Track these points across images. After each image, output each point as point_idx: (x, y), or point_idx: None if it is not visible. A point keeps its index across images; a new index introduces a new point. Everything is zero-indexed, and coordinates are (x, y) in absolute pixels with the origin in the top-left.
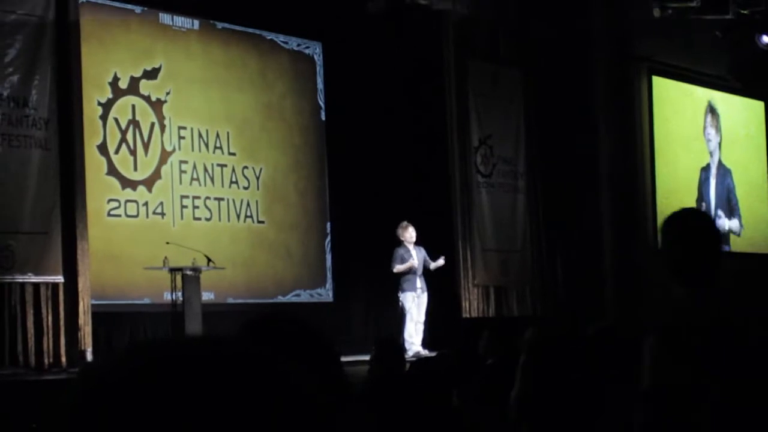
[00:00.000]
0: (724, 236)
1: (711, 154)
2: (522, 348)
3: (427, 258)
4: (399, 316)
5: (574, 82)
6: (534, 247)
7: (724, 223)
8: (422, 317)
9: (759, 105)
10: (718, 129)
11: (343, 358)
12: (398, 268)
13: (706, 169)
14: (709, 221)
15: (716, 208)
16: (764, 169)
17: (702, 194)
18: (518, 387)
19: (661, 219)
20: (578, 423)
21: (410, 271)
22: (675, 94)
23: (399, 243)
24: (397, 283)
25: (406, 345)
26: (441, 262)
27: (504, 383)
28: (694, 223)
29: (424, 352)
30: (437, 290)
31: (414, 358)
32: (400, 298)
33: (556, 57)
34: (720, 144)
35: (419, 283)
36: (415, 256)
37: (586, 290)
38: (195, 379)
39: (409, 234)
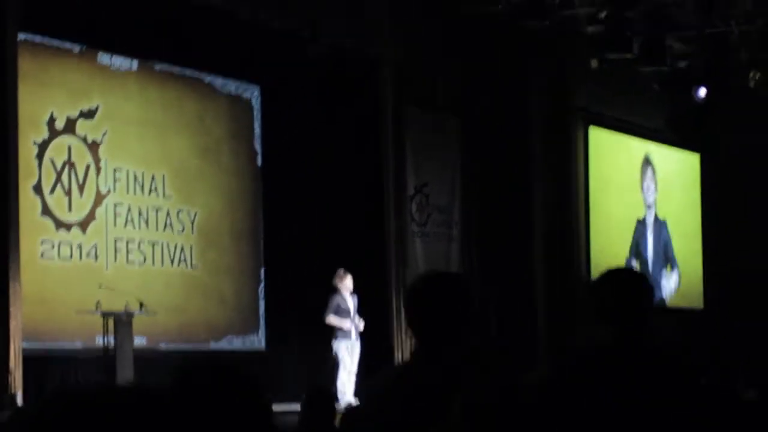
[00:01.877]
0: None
1: (648, 207)
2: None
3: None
4: (332, 364)
5: (511, 130)
6: None
7: (668, 282)
8: (355, 367)
9: (695, 157)
10: (655, 182)
11: (275, 408)
12: (331, 321)
13: (642, 223)
14: (642, 277)
15: (654, 264)
16: (698, 221)
17: (639, 249)
18: None
19: (594, 269)
20: None
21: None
22: (612, 145)
23: (335, 290)
24: (330, 330)
25: (339, 395)
26: (360, 326)
27: None
28: (627, 276)
29: (356, 402)
30: (370, 339)
31: (345, 409)
32: (334, 347)
33: (494, 106)
34: (656, 200)
35: (354, 333)
36: (350, 305)
37: (518, 341)
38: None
39: (346, 283)
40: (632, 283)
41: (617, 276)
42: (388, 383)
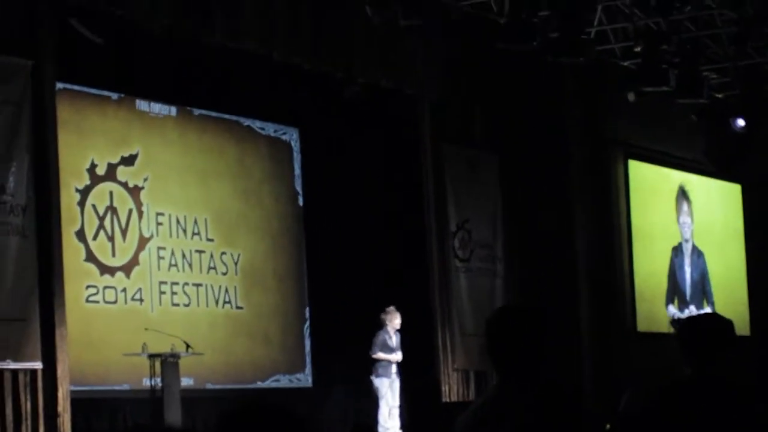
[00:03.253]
0: None
1: (686, 240)
2: None
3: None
4: (374, 400)
5: (550, 165)
6: None
7: (694, 310)
8: (397, 401)
9: (735, 188)
10: (691, 215)
11: None
12: (380, 355)
13: (677, 249)
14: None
15: (692, 291)
16: (742, 252)
17: (675, 277)
18: None
19: (640, 303)
20: None
21: (388, 360)
22: (651, 177)
23: (381, 327)
24: (371, 367)
25: (381, 430)
26: (395, 357)
27: None
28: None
29: None
30: (416, 374)
31: None
32: (375, 383)
33: (532, 141)
34: (693, 230)
35: (394, 368)
36: (395, 342)
37: (564, 375)
38: None
39: (397, 320)
40: (709, 326)
41: (697, 321)
42: (478, 415)
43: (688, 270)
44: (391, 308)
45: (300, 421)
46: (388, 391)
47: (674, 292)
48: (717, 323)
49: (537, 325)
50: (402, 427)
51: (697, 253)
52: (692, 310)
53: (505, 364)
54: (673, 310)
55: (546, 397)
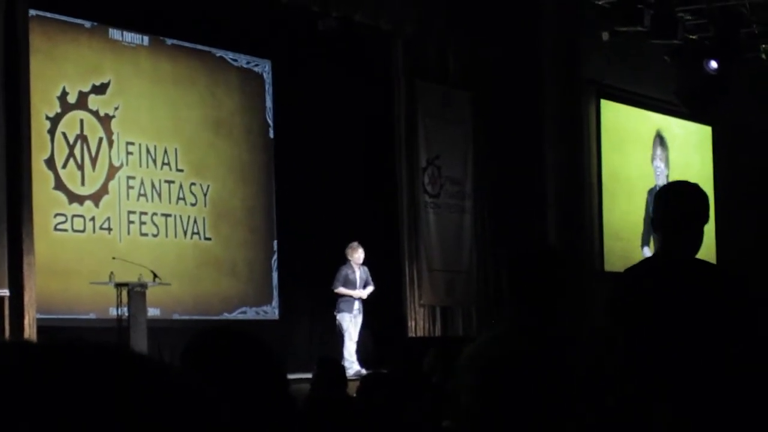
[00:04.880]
0: None
1: (659, 178)
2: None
3: (369, 279)
4: (338, 335)
5: (523, 103)
6: (480, 267)
7: None
8: (356, 336)
9: (707, 130)
10: (666, 161)
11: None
12: (340, 290)
13: (653, 191)
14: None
15: None
16: (710, 193)
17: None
18: (456, 407)
19: (614, 242)
20: None
21: (350, 295)
22: (624, 117)
23: (345, 262)
24: (335, 301)
25: (347, 364)
26: (365, 293)
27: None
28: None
29: (363, 371)
30: (383, 309)
31: (355, 377)
32: (337, 318)
33: (505, 78)
34: (669, 168)
35: (357, 304)
36: (358, 278)
37: None
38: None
39: (358, 255)
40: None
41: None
42: (488, 351)
43: None
44: (354, 243)
45: (267, 347)
46: (351, 326)
47: (650, 233)
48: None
49: (557, 265)
50: (361, 361)
51: None
52: None
53: (525, 302)
54: (648, 252)
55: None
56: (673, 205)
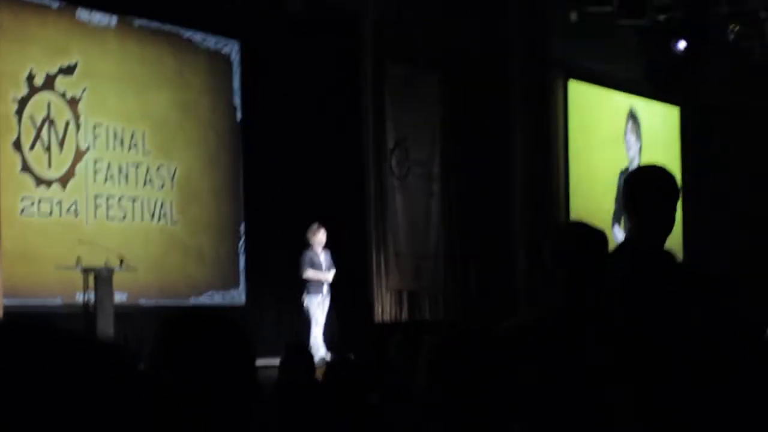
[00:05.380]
0: None
1: (631, 160)
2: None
3: (331, 262)
4: (305, 319)
5: (490, 85)
6: (447, 251)
7: None
8: (323, 320)
9: (674, 110)
10: (638, 135)
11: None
12: (309, 274)
13: (625, 173)
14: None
15: None
16: (678, 174)
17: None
18: (421, 386)
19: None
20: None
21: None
22: (592, 99)
23: (307, 246)
24: (303, 286)
25: (313, 350)
26: (326, 276)
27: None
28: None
29: (329, 356)
30: (349, 294)
31: (321, 362)
32: (305, 302)
33: (473, 60)
34: (640, 150)
35: (325, 287)
36: (323, 260)
37: (499, 295)
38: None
39: (319, 238)
40: (587, 236)
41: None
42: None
43: None
44: (314, 225)
45: (238, 329)
46: (318, 310)
47: (620, 213)
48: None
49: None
50: (327, 346)
51: None
52: None
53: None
54: (618, 230)
55: None
56: (643, 188)
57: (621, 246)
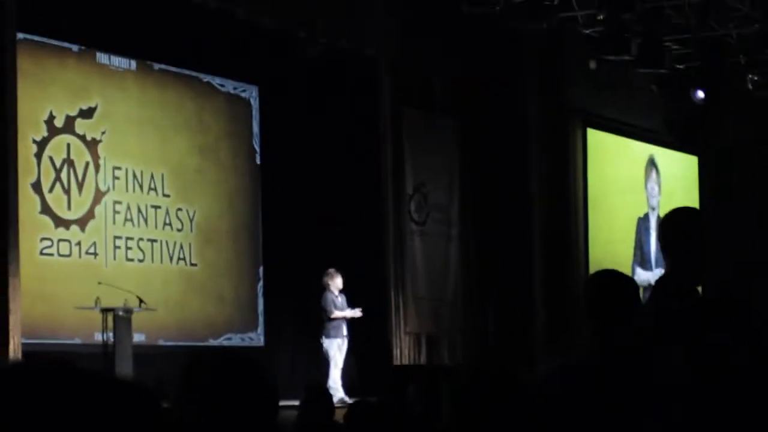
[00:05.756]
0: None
1: (653, 209)
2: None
3: (347, 306)
4: (323, 361)
5: (509, 131)
6: (466, 295)
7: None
8: (342, 363)
9: (693, 160)
10: (658, 183)
11: None
12: (337, 313)
13: (644, 220)
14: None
15: (656, 258)
16: None
17: (642, 245)
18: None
19: (594, 267)
20: None
21: (344, 317)
22: (611, 146)
23: (325, 289)
24: (322, 328)
25: (331, 391)
26: (357, 313)
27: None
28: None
29: (347, 399)
30: (368, 337)
31: (339, 404)
32: (324, 344)
33: (491, 106)
34: (659, 200)
35: (345, 330)
36: (341, 303)
37: (517, 340)
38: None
39: (337, 282)
40: (615, 283)
41: (604, 277)
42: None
43: (653, 237)
44: (332, 270)
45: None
46: (338, 352)
47: (641, 259)
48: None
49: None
50: (345, 388)
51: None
52: (657, 272)
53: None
54: (640, 272)
55: None
56: (678, 229)
57: (658, 284)
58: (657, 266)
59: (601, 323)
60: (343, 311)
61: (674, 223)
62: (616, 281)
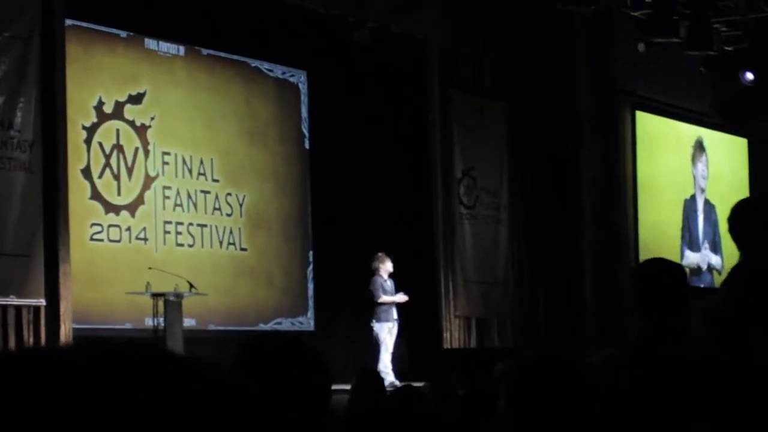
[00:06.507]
0: (707, 270)
1: (701, 190)
2: (498, 381)
3: (395, 290)
4: (374, 346)
5: (558, 114)
6: (516, 278)
7: (709, 256)
8: (392, 347)
9: (742, 142)
10: (706, 165)
11: None
12: (385, 298)
13: (692, 201)
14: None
15: (703, 239)
16: None
17: (689, 227)
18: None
19: (643, 250)
20: None
21: (392, 301)
22: (659, 129)
23: (374, 273)
24: (372, 312)
25: (382, 375)
26: (403, 297)
27: (475, 414)
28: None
29: (397, 382)
30: (418, 321)
31: (389, 388)
32: (375, 329)
33: (540, 89)
34: (707, 180)
35: (395, 314)
36: (390, 287)
37: (567, 322)
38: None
39: (387, 265)
40: (667, 273)
41: (652, 266)
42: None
43: (701, 219)
44: (381, 254)
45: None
46: (388, 336)
47: (690, 241)
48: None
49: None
50: (395, 372)
51: (708, 205)
52: (705, 257)
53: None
54: (689, 254)
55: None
56: (753, 219)
57: (733, 272)
58: (704, 247)
59: (653, 311)
60: (392, 296)
61: (744, 214)
62: (668, 269)
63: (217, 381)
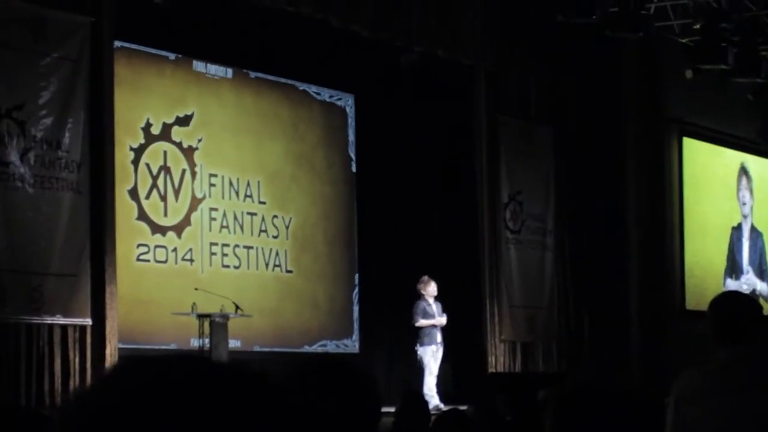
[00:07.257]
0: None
1: (745, 216)
2: (542, 407)
3: (442, 313)
4: (418, 369)
5: (605, 140)
6: (561, 303)
7: (755, 282)
8: (436, 370)
9: None
10: (751, 192)
11: None
12: (422, 322)
13: (737, 229)
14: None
15: (748, 266)
16: None
17: (734, 254)
18: None
19: (689, 278)
20: None
21: (432, 325)
22: (705, 155)
23: (419, 296)
24: (416, 336)
25: (427, 398)
26: (441, 321)
27: None
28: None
29: (442, 406)
30: (463, 344)
31: (434, 411)
32: (419, 352)
33: (587, 114)
34: (752, 207)
35: (438, 337)
36: (435, 311)
37: (612, 348)
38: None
39: (431, 289)
40: (746, 305)
41: (731, 299)
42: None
43: (746, 246)
44: (425, 277)
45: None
46: (432, 360)
47: (732, 269)
48: (749, 301)
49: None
50: (440, 396)
51: (755, 232)
52: (751, 282)
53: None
54: (731, 283)
55: None
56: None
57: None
58: (749, 277)
59: (733, 342)
60: (430, 318)
61: None
62: (748, 304)
63: (289, 399)
